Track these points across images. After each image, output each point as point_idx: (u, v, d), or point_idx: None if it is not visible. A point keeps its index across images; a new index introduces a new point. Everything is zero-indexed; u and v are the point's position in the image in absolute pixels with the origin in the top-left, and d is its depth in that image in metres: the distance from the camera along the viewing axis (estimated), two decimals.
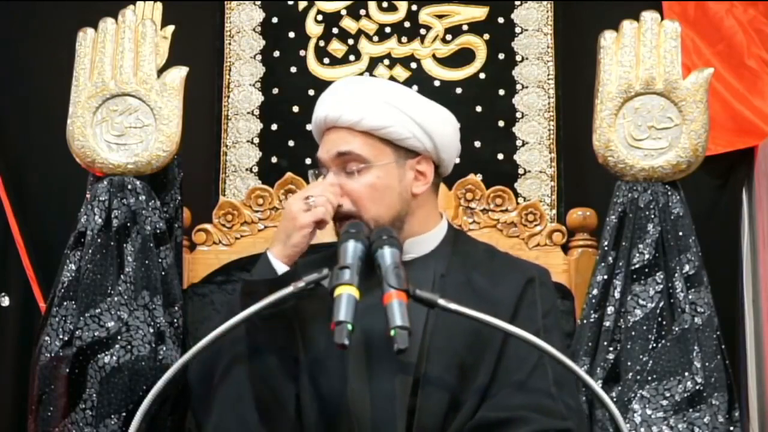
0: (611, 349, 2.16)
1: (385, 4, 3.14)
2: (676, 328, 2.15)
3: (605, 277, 2.21)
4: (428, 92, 3.01)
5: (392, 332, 1.69)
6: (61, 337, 2.15)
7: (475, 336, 1.91)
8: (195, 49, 2.93)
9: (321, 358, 1.94)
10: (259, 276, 1.96)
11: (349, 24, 3.13)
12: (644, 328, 2.15)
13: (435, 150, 2.05)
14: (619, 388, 2.12)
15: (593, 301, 2.21)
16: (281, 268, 1.95)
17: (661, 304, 2.17)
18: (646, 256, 2.19)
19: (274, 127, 3.09)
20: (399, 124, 2.01)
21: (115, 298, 2.15)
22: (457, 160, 2.98)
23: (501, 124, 3.08)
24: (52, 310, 2.18)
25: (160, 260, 2.23)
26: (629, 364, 2.13)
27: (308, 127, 3.07)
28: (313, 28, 3.13)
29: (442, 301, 1.77)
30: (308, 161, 3.04)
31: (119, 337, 2.13)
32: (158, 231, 2.23)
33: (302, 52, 3.12)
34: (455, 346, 1.92)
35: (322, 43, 3.12)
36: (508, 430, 1.85)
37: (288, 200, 2.12)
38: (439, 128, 2.06)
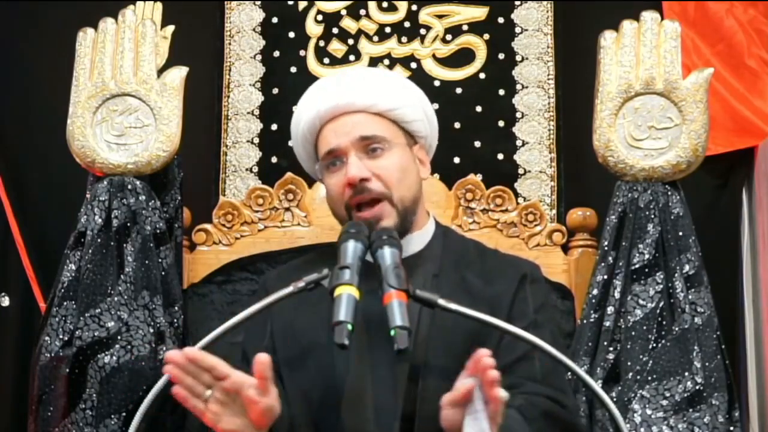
0: (611, 349, 2.16)
1: (385, 4, 3.14)
2: (676, 328, 2.15)
3: (605, 277, 2.21)
4: (428, 92, 2.98)
5: (392, 332, 1.69)
6: (61, 337, 2.15)
7: (473, 335, 1.90)
8: (195, 49, 2.93)
9: (305, 351, 1.93)
10: None
11: (349, 24, 3.13)
12: (644, 328, 2.15)
13: (430, 137, 2.11)
14: (619, 388, 2.12)
15: (593, 301, 2.21)
16: None
17: (661, 304, 2.17)
18: (646, 256, 2.19)
19: (274, 127, 3.09)
20: (409, 106, 2.05)
21: (115, 298, 2.15)
22: (457, 160, 3.03)
23: (501, 124, 3.07)
24: (52, 310, 2.18)
25: (160, 260, 2.23)
26: (629, 364, 2.13)
27: None
28: (313, 28, 3.13)
29: (442, 301, 1.77)
30: None
31: (119, 337, 2.13)
32: (158, 231, 2.23)
33: (302, 52, 3.12)
34: (453, 346, 1.91)
35: (322, 43, 3.12)
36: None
37: None
38: (432, 114, 2.12)
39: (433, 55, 3.11)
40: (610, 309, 2.18)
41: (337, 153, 2.00)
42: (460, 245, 2.09)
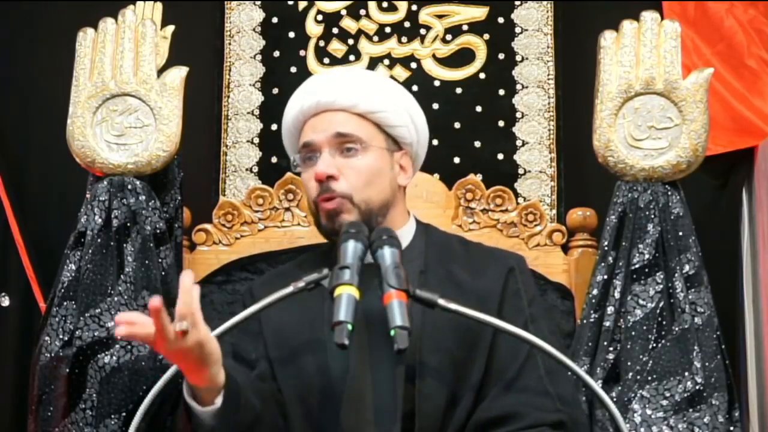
0: (611, 349, 2.16)
1: (385, 4, 3.14)
2: (676, 328, 2.15)
3: (605, 277, 2.21)
4: (428, 92, 3.03)
5: (392, 332, 1.69)
6: (61, 337, 2.15)
7: (465, 331, 1.90)
8: (195, 49, 2.93)
9: (300, 352, 1.93)
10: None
11: (349, 24, 3.13)
12: (644, 328, 2.15)
13: (417, 145, 2.10)
14: (619, 388, 2.12)
15: (593, 301, 2.21)
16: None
17: (661, 304, 2.17)
18: (646, 256, 2.19)
19: (274, 127, 3.09)
20: (393, 110, 2.04)
21: (115, 298, 2.15)
22: (457, 160, 3.03)
23: (501, 124, 3.07)
24: (52, 310, 2.18)
25: (160, 260, 2.23)
26: (629, 364, 2.13)
27: None
28: (313, 28, 3.13)
29: (442, 301, 1.77)
30: None
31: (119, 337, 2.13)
32: (158, 231, 2.23)
33: (302, 52, 3.12)
34: (446, 344, 1.91)
35: (322, 43, 3.12)
36: (502, 427, 1.84)
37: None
38: (422, 123, 2.11)
39: (433, 55, 3.11)
40: (610, 309, 2.18)
41: (312, 148, 2.02)
42: (443, 240, 2.09)
